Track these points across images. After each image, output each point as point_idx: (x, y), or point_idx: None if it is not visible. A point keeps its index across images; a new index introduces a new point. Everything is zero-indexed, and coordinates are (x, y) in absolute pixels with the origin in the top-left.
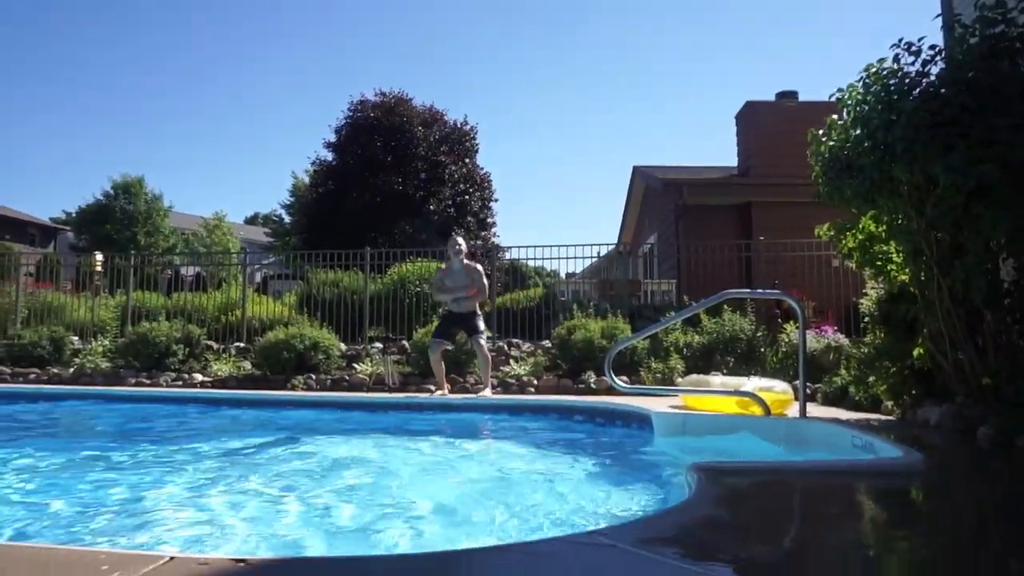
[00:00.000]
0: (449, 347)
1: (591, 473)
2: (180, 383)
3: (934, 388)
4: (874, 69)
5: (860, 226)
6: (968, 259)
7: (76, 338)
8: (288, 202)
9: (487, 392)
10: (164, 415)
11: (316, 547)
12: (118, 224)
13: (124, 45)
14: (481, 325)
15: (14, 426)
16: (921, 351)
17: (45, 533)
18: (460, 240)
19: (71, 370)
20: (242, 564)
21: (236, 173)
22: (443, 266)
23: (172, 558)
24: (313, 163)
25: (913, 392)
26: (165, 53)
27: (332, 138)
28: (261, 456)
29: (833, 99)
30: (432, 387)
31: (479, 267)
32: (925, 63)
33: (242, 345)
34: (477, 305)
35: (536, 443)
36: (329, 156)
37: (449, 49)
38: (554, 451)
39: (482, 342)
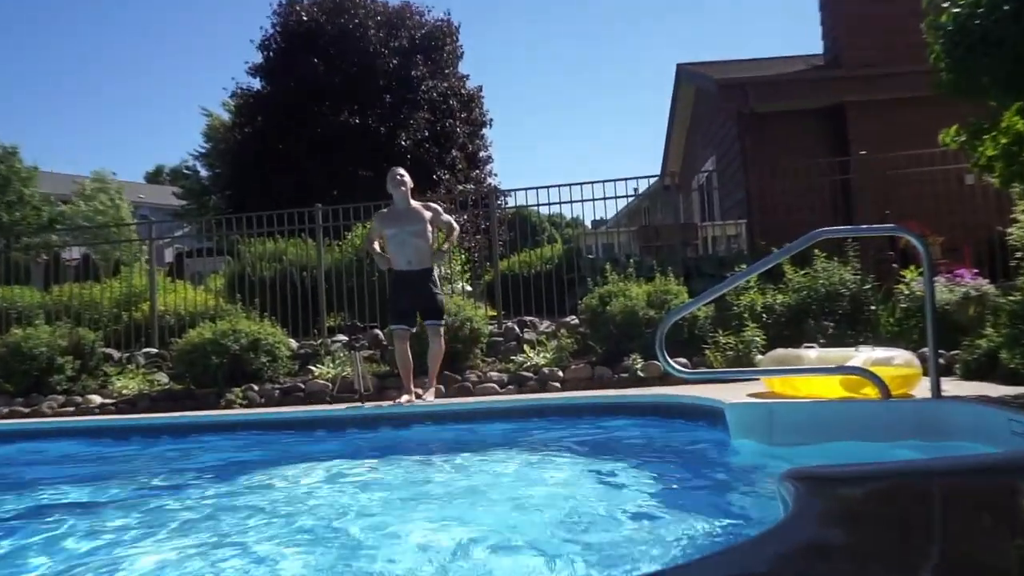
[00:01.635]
0: (414, 330)
1: (652, 494)
2: (72, 409)
3: None
4: None
5: (1003, 125)
6: None
7: None
8: (203, 150)
9: (429, 396)
10: (56, 454)
11: None
12: None
13: None
14: (441, 299)
15: None
16: None
17: None
18: (401, 170)
19: None
20: None
21: (124, 118)
22: (383, 209)
23: None
24: (234, 95)
25: None
26: None
27: (258, 59)
28: (191, 499)
29: None
30: (400, 392)
31: (434, 204)
32: None
33: (154, 351)
34: (436, 264)
35: (573, 458)
36: (255, 83)
37: None
38: (598, 467)
39: (440, 331)
